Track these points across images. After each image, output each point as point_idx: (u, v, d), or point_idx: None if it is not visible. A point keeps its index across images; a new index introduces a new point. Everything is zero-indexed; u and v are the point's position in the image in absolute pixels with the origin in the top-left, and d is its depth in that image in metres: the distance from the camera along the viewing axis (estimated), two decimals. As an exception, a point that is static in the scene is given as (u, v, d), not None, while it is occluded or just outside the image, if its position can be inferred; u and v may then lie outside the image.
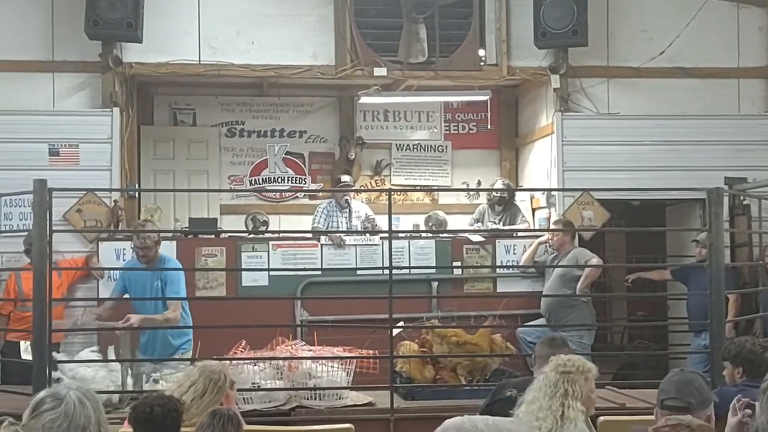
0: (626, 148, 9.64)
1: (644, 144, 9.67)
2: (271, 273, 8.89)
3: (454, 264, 9.14)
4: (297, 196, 10.99)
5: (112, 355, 6.76)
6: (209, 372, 5.24)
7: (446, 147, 11.32)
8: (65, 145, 9.02)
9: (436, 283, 9.11)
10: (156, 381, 6.55)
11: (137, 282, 7.66)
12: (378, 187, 11.06)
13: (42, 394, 2.73)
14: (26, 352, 7.01)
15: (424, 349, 6.96)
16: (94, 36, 8.83)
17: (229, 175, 10.95)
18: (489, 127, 10.95)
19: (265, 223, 9.60)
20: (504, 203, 9.86)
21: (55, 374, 6.27)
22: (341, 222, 9.58)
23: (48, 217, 6.29)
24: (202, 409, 4.90)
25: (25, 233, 8.35)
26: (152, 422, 4.02)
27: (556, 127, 9.66)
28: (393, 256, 7.15)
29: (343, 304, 8.25)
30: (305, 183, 10.89)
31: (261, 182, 10.77)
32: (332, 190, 10.26)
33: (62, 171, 8.69)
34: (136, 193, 9.86)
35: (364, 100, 10.38)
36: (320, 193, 10.76)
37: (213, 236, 9.16)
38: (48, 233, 6.26)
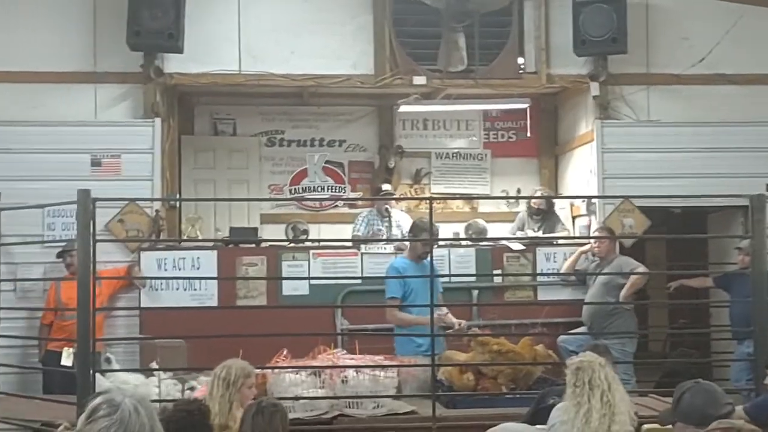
0: (667, 156, 9.57)
1: (685, 151, 9.59)
2: (312, 282, 8.90)
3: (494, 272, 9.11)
4: (337, 205, 11.01)
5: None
6: (219, 369, 5.30)
7: (485, 155, 11.31)
8: (107, 156, 9.10)
9: (477, 291, 9.08)
10: (192, 389, 6.58)
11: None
12: (418, 196, 11.05)
13: (98, 400, 2.74)
14: (68, 358, 7.06)
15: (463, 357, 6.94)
16: (136, 47, 8.92)
17: (269, 184, 11.00)
18: (528, 135, 10.94)
19: (306, 232, 9.64)
20: (543, 212, 9.82)
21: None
22: (381, 230, 9.58)
23: (92, 227, 6.34)
24: (219, 408, 4.96)
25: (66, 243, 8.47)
26: None
27: (596, 135, 9.62)
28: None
29: (382, 312, 8.22)
30: (345, 192, 10.90)
31: (301, 191, 10.80)
32: (373, 198, 10.27)
33: (104, 181, 8.76)
34: (177, 202, 9.93)
35: (403, 108, 10.40)
36: (360, 202, 10.77)
37: (254, 245, 9.19)
38: (92, 243, 6.31)
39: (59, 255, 8.45)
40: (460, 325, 7.33)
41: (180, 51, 9.00)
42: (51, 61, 9.15)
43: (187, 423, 4.20)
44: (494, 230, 10.11)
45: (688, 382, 4.07)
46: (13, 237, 8.06)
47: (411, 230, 7.83)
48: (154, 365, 6.77)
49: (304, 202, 10.93)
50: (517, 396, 6.58)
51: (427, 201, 10.60)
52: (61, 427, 2.59)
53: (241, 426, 4.37)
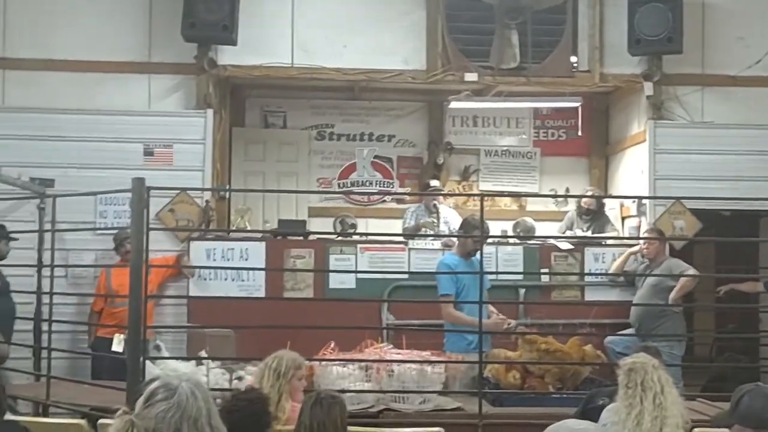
0: (720, 158, 9.46)
1: (739, 153, 9.48)
2: (359, 276, 8.91)
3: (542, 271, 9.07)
4: (385, 200, 11.03)
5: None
6: (271, 360, 5.33)
7: (535, 153, 11.26)
8: (160, 146, 9.18)
9: (524, 290, 9.05)
10: (240, 378, 6.62)
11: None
12: (466, 192, 11.04)
13: (155, 384, 2.78)
14: (118, 345, 7.13)
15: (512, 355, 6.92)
16: (191, 38, 8.98)
17: (318, 177, 11.05)
18: (579, 134, 10.87)
19: (354, 226, 9.66)
20: (593, 212, 9.76)
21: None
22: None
23: (145, 215, 6.40)
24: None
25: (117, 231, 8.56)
26: (235, 428, 4.11)
27: (648, 135, 9.53)
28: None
29: (429, 308, 8.19)
30: (393, 187, 10.94)
31: (349, 185, 10.86)
32: (423, 193, 10.26)
33: (156, 171, 8.79)
34: (227, 193, 9.99)
35: (453, 105, 10.38)
36: (408, 198, 10.77)
37: (302, 238, 9.23)
38: (145, 231, 6.36)
39: (116, 245, 8.53)
40: (509, 324, 7.30)
41: (234, 43, 9.05)
42: (107, 51, 9.25)
43: (250, 412, 4.23)
44: (542, 229, 10.06)
45: (747, 385, 4.01)
46: (65, 224, 8.16)
47: (462, 227, 7.81)
48: (203, 354, 6.81)
49: (352, 197, 10.96)
50: (564, 396, 6.55)
51: (478, 198, 10.73)
52: (119, 411, 2.62)
53: (300, 416, 4.37)
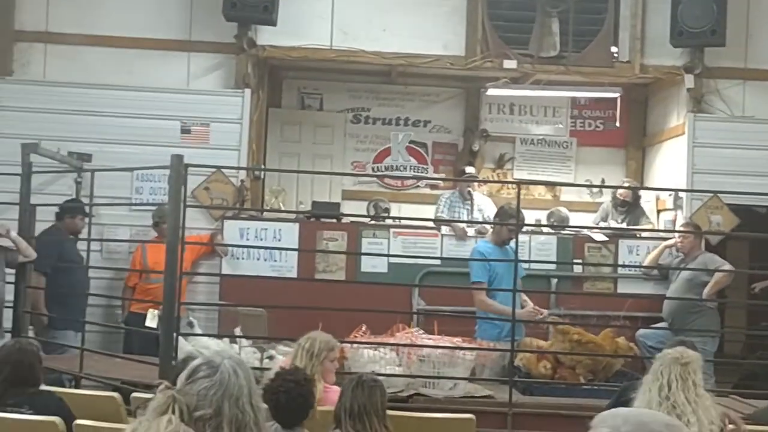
0: (760, 153, 9.34)
1: (779, 149, 9.37)
2: (391, 260, 8.89)
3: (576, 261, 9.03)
4: (418, 185, 11.02)
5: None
6: (304, 341, 5.34)
7: (571, 143, 11.20)
8: (197, 124, 9.21)
9: (556, 280, 9.01)
10: (271, 358, 6.65)
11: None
12: (502, 180, 11.01)
13: (197, 361, 2.80)
14: (152, 320, 7.18)
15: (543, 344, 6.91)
16: (231, 18, 8.99)
17: (353, 161, 11.05)
18: (617, 125, 10.79)
19: (387, 210, 9.66)
20: (628, 204, 9.69)
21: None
22: (463, 214, 9.58)
23: (183, 192, 6.43)
24: None
25: (155, 207, 8.62)
26: (281, 409, 4.14)
27: (687, 128, 9.44)
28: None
29: (460, 295, 8.18)
30: (427, 173, 10.93)
31: (383, 170, 10.85)
32: (458, 179, 10.24)
33: (193, 149, 8.79)
34: (262, 174, 10.02)
35: (491, 92, 10.34)
36: (442, 184, 10.75)
37: (335, 220, 9.24)
38: (182, 208, 6.40)
39: (154, 222, 8.58)
40: (541, 314, 7.28)
41: (273, 24, 9.05)
42: (148, 29, 9.29)
43: (297, 393, 4.24)
44: (576, 219, 10.01)
45: None
46: (102, 198, 8.21)
47: (498, 215, 7.78)
48: (237, 332, 6.85)
49: (386, 181, 10.96)
50: (596, 387, 6.53)
51: (512, 186, 10.71)
52: (161, 386, 2.64)
53: (340, 398, 4.35)
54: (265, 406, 2.97)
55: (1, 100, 9.05)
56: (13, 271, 7.79)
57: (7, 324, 7.65)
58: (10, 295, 7.73)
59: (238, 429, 2.73)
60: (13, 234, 7.59)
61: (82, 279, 8.17)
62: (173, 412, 2.53)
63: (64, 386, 6.77)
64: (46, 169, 8.37)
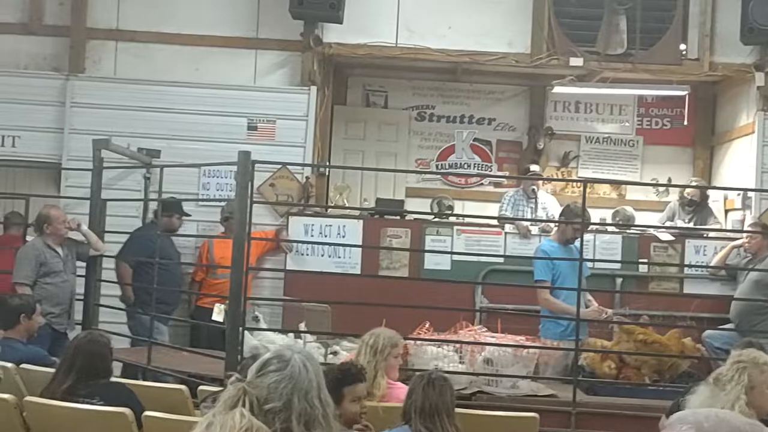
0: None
1: None
2: (454, 258, 8.88)
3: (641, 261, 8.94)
4: (482, 183, 11.00)
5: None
6: (368, 337, 5.37)
7: (637, 142, 11.08)
8: (263, 121, 9.31)
9: (621, 279, 8.93)
10: (335, 353, 6.69)
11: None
12: (568, 178, 10.94)
13: (268, 355, 2.85)
14: (218, 314, 7.27)
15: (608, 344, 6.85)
16: (298, 15, 9.06)
17: (417, 158, 11.08)
18: (685, 123, 10.65)
19: (450, 207, 9.65)
20: (696, 203, 9.56)
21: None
22: (527, 212, 9.53)
23: (250, 188, 6.51)
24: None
25: (223, 203, 8.73)
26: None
27: (757, 127, 9.28)
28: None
29: (524, 293, 8.14)
30: (491, 171, 10.90)
31: (447, 168, 10.85)
32: (522, 177, 10.19)
33: (259, 146, 8.90)
34: (327, 171, 10.08)
35: (556, 90, 10.27)
36: (506, 182, 10.71)
37: (399, 218, 9.26)
38: (249, 204, 6.47)
39: (223, 218, 8.70)
40: (606, 314, 7.22)
41: (340, 21, 9.10)
42: (216, 26, 9.41)
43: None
44: (642, 219, 9.89)
45: None
46: (170, 194, 8.34)
47: (563, 213, 7.74)
48: (302, 327, 6.91)
49: (449, 179, 10.97)
50: (661, 388, 6.46)
51: (576, 184, 10.64)
52: (232, 378, 2.69)
53: (410, 396, 4.33)
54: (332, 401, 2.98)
55: (74, 97, 9.25)
56: (84, 264, 7.97)
57: (78, 316, 7.83)
58: (80, 288, 7.91)
59: (306, 423, 2.77)
60: (84, 228, 7.76)
61: (174, 275, 8.33)
62: (243, 405, 2.58)
63: (137, 378, 6.90)
64: (116, 165, 8.54)
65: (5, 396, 4.94)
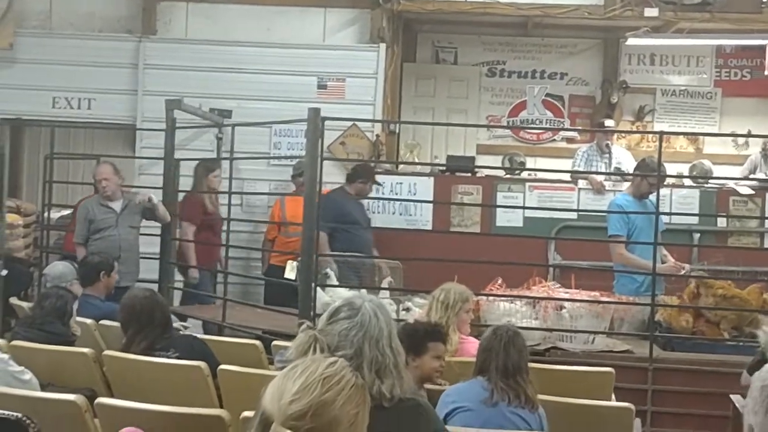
0: None
1: None
2: (526, 215, 8.80)
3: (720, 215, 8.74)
4: (554, 139, 10.86)
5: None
6: (439, 292, 5.34)
7: (715, 94, 10.81)
8: (333, 79, 9.29)
9: (698, 234, 8.75)
10: (407, 310, 6.68)
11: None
12: (643, 130, 10.73)
13: (338, 303, 2.85)
14: (291, 272, 7.30)
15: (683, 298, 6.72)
16: (367, -28, 9.01)
17: (488, 115, 10.95)
18: (765, 74, 10.33)
19: (522, 164, 9.54)
20: (778, 155, 9.31)
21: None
22: (600, 167, 9.37)
23: (320, 145, 6.50)
24: None
25: (295, 161, 8.74)
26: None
27: (840, 75, 8.98)
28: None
29: (597, 249, 8.01)
30: (564, 126, 10.74)
31: (519, 124, 10.72)
32: (595, 129, 10.03)
33: (329, 104, 8.84)
34: (397, 128, 10.03)
35: (631, 42, 10.03)
36: (578, 137, 10.55)
37: (470, 174, 9.18)
38: (319, 161, 6.47)
39: (293, 174, 8.72)
40: (683, 269, 7.08)
41: (409, -23, 9.03)
42: (287, -16, 9.40)
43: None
44: (720, 172, 9.65)
45: None
46: (241, 154, 8.40)
47: (638, 167, 7.58)
48: (384, 283, 6.90)
49: (521, 135, 10.84)
50: (740, 344, 6.32)
51: (652, 138, 10.43)
52: (303, 326, 2.69)
53: (487, 352, 4.24)
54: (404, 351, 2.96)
55: (146, 59, 9.33)
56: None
57: (153, 275, 7.94)
58: (155, 247, 8.01)
59: (377, 371, 2.76)
60: (155, 200, 7.86)
61: (363, 239, 8.21)
62: (314, 352, 2.57)
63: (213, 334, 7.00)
64: (188, 125, 8.60)
65: (84, 350, 5.04)
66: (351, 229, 7.89)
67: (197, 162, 8.51)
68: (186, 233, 8.34)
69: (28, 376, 4.36)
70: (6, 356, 4.33)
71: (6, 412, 3.17)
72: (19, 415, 3.17)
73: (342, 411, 1.89)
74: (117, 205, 7.83)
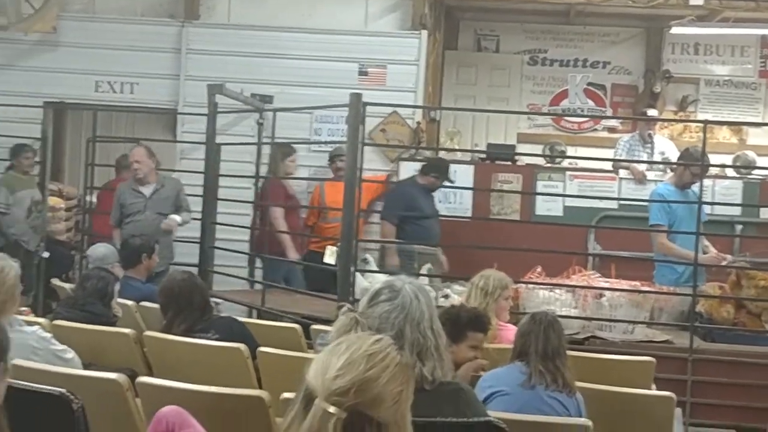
0: None
1: None
2: (566, 204, 8.75)
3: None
4: (596, 129, 10.78)
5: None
6: (478, 279, 5.33)
7: (760, 85, 10.69)
8: (374, 66, 9.27)
9: (741, 226, 8.65)
10: (446, 297, 6.68)
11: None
12: (686, 119, 10.62)
13: (378, 285, 2.85)
14: (330, 257, 7.33)
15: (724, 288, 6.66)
16: (410, -42, 8.98)
17: (528, 103, 10.92)
18: (812, 65, 10.23)
19: (563, 153, 9.48)
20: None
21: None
22: (642, 157, 9.27)
23: (361, 131, 6.51)
24: None
25: (334, 146, 8.76)
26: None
27: None
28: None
29: (638, 239, 7.94)
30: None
31: (560, 113, 10.67)
32: (637, 117, 9.94)
33: (370, 91, 8.78)
34: (437, 116, 10.01)
35: (675, 31, 9.94)
36: (620, 127, 10.47)
37: (510, 162, 9.14)
38: (360, 146, 6.47)
39: (331, 159, 8.75)
40: (725, 260, 7.01)
41: (451, -37, 9.00)
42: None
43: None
44: (764, 163, 9.52)
45: None
46: (282, 139, 8.41)
47: (681, 157, 7.51)
48: (424, 270, 6.90)
49: (562, 124, 10.78)
50: (783, 336, 6.26)
51: (695, 129, 10.32)
52: (344, 309, 2.69)
53: (526, 336, 4.21)
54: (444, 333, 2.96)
55: (189, 43, 9.38)
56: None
57: (193, 259, 7.99)
58: (196, 232, 8.06)
59: (419, 353, 2.76)
60: (177, 224, 7.96)
61: (432, 232, 8.17)
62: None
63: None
64: (230, 110, 8.64)
65: (126, 331, 5.09)
66: (420, 221, 7.86)
67: (273, 146, 8.48)
68: (276, 218, 8.39)
69: (70, 354, 4.40)
70: (48, 335, 4.38)
71: (50, 388, 3.20)
72: (63, 390, 3.21)
73: (386, 389, 1.89)
74: (148, 190, 7.91)
